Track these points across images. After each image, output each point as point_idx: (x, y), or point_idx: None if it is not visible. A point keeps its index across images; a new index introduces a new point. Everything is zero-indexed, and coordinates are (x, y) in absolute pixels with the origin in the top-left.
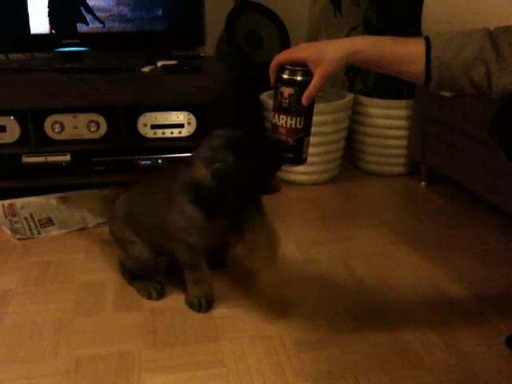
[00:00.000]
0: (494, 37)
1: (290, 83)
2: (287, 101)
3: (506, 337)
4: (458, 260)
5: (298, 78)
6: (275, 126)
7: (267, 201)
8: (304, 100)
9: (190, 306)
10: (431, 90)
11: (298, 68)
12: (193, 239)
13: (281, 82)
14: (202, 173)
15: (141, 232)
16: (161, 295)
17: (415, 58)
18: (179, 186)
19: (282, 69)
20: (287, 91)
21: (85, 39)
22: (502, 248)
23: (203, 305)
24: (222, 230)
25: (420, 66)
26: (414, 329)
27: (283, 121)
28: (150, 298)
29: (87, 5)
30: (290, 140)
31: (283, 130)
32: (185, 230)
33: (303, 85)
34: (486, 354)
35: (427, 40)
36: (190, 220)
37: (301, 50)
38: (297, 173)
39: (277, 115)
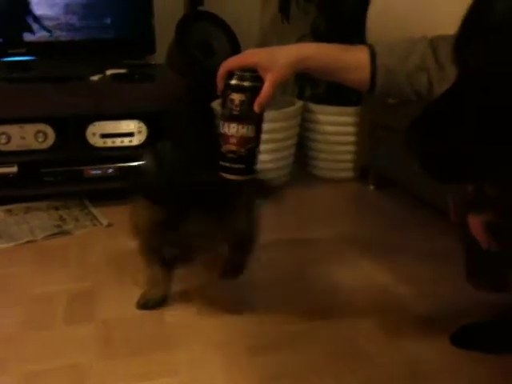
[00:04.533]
0: (434, 45)
1: (241, 89)
2: (238, 108)
3: (450, 335)
4: (405, 261)
5: (249, 84)
6: (225, 137)
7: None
8: (257, 107)
9: (144, 301)
10: (376, 96)
11: (247, 74)
12: (139, 223)
13: (230, 88)
14: (147, 164)
15: None
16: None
17: (361, 66)
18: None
19: (231, 75)
20: (238, 98)
21: (32, 48)
22: (447, 249)
23: (158, 302)
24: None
25: (365, 73)
26: (364, 330)
27: (234, 130)
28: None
29: (34, 14)
30: (242, 150)
31: (234, 140)
32: (136, 212)
33: (254, 91)
34: (432, 351)
35: (371, 48)
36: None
37: (250, 56)
38: None
39: (227, 124)
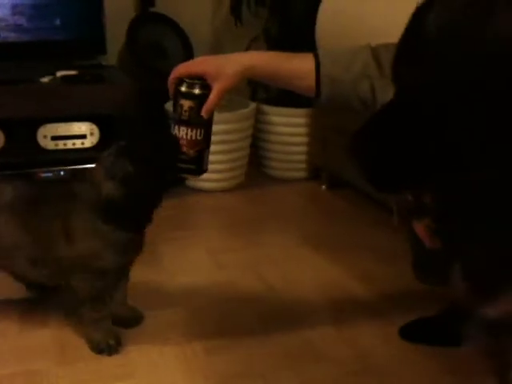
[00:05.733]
0: (376, 54)
1: (189, 96)
2: (187, 113)
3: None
4: (358, 259)
5: (197, 92)
6: (176, 138)
7: (175, 209)
8: (204, 113)
9: (99, 351)
10: (323, 105)
11: (196, 82)
12: (107, 262)
13: (180, 94)
14: (109, 186)
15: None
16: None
17: (306, 74)
18: (84, 206)
19: (180, 82)
20: (187, 104)
21: None
22: (399, 247)
23: (113, 345)
24: (135, 248)
25: (311, 82)
26: (318, 327)
27: (183, 133)
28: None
29: None
30: (191, 151)
31: (184, 142)
32: (96, 253)
33: (202, 98)
34: (383, 345)
35: (316, 57)
36: (106, 238)
37: (199, 64)
38: (204, 180)
39: (177, 127)
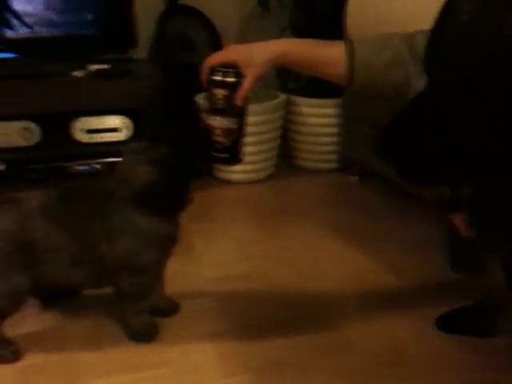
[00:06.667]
0: (411, 40)
1: (223, 85)
2: (221, 102)
3: (434, 320)
4: (388, 250)
5: (231, 80)
6: (211, 128)
7: (206, 201)
8: (238, 101)
9: (137, 339)
10: (355, 92)
11: (229, 70)
12: (149, 259)
13: (213, 84)
14: (145, 173)
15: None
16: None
17: (337, 61)
18: (120, 204)
19: (213, 71)
20: (221, 93)
21: (12, 45)
22: (428, 238)
23: (152, 333)
24: (172, 241)
25: (342, 69)
26: (347, 317)
27: (218, 122)
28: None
29: (12, 9)
30: (226, 141)
31: (219, 131)
32: (138, 251)
33: (235, 86)
34: (415, 337)
35: (350, 43)
36: (147, 234)
37: (230, 53)
38: (234, 172)
39: (212, 117)
